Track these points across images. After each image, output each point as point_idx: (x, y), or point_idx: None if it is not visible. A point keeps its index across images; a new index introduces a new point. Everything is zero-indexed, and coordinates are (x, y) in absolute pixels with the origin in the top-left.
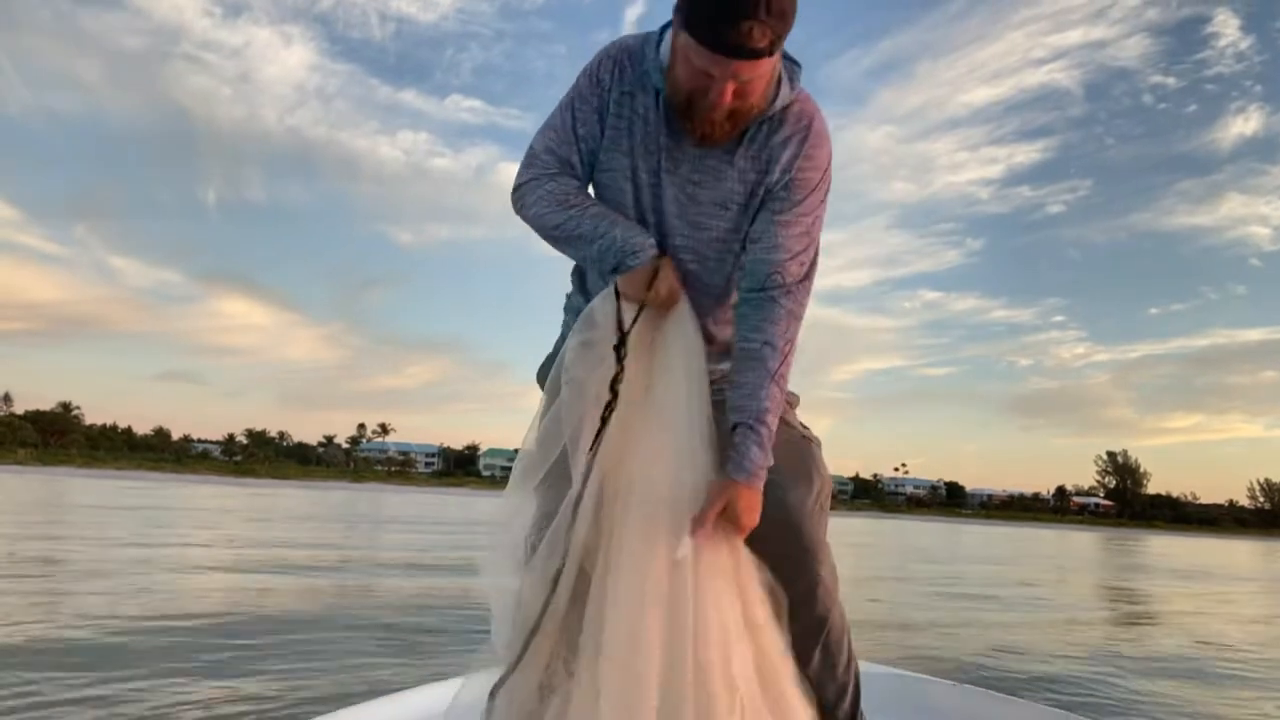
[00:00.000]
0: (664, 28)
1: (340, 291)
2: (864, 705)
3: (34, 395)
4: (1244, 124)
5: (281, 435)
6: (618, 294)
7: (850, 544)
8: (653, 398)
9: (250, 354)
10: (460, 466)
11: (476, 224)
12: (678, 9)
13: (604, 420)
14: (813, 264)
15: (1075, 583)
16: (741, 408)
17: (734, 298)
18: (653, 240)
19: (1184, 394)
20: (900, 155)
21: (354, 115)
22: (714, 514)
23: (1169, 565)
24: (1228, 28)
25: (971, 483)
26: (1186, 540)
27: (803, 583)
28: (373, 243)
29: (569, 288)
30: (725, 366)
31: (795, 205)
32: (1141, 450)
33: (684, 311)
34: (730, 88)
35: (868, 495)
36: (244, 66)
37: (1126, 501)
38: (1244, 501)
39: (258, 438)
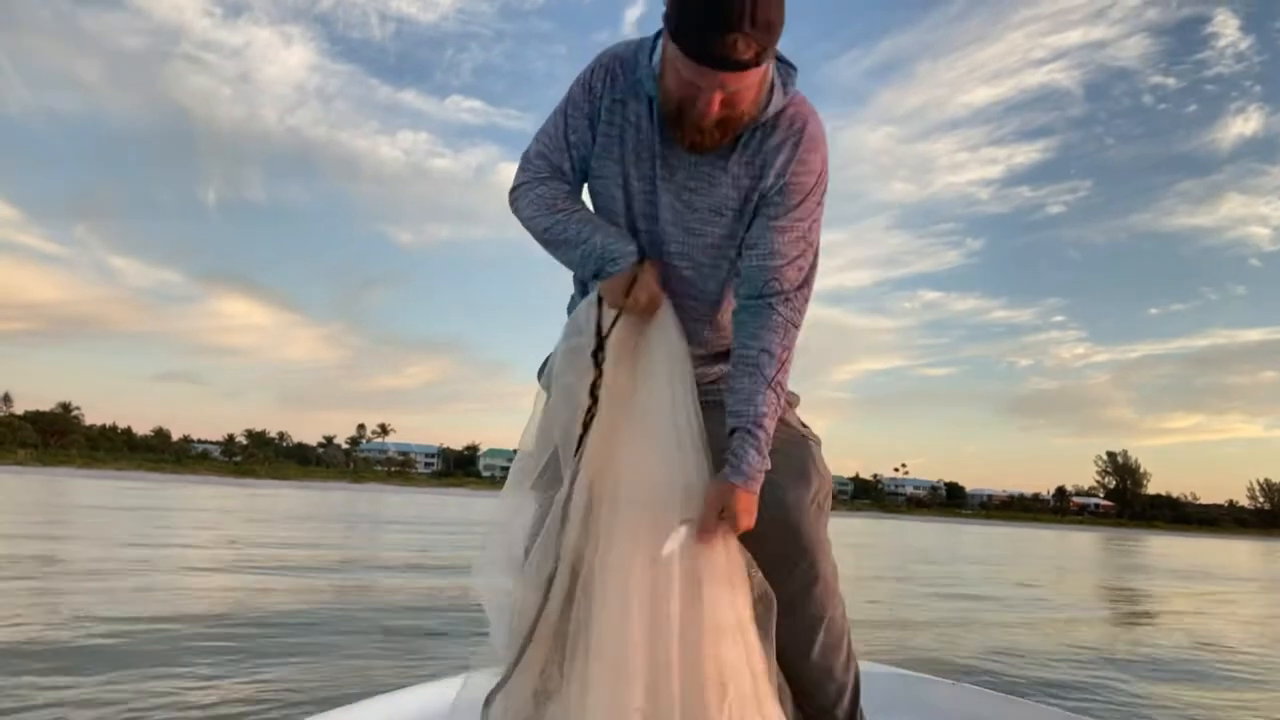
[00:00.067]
0: (658, 35)
1: (340, 291)
2: (864, 705)
3: (34, 395)
4: (1244, 124)
5: (281, 435)
6: (600, 300)
7: (850, 544)
8: (636, 402)
9: (250, 354)
10: (460, 467)
11: (476, 224)
12: (665, 19)
13: (585, 425)
14: (811, 269)
15: (1075, 583)
16: (739, 412)
17: (731, 302)
18: (634, 247)
19: (1184, 394)
20: (900, 155)
21: (354, 115)
22: (714, 517)
23: (1169, 565)
24: (1227, 28)
25: (971, 483)
26: (1186, 540)
27: (802, 581)
28: (373, 243)
29: (573, 289)
30: (722, 368)
31: (790, 210)
32: (1141, 450)
33: (667, 317)
34: (718, 98)
35: (868, 495)
36: (244, 66)
37: (1126, 502)
38: (1244, 502)
39: (257, 438)
